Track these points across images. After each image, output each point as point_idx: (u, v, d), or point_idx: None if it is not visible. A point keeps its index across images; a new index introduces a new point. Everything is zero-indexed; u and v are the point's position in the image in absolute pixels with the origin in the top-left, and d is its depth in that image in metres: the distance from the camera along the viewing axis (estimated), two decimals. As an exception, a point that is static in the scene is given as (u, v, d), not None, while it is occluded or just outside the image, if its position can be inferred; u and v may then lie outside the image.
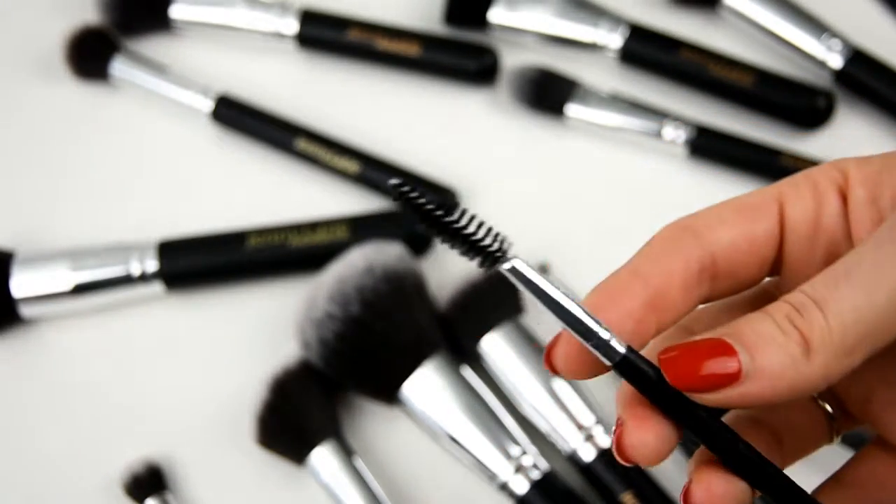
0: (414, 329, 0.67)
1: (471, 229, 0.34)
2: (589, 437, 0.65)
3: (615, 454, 0.37)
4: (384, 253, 0.68)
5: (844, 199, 0.39)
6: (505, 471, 0.64)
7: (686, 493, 0.37)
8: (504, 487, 0.64)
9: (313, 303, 0.67)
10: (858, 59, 0.78)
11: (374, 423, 0.69)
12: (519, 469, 0.64)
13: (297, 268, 0.73)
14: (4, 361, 0.73)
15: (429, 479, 0.68)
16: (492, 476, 0.65)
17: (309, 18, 0.82)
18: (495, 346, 0.68)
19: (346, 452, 0.66)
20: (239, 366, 0.71)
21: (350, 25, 0.81)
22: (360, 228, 0.73)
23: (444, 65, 0.81)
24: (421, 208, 0.33)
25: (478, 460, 0.65)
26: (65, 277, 0.71)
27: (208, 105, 0.79)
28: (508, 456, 0.64)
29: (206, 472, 0.69)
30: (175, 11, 0.83)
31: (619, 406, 0.38)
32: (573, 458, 0.66)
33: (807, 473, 0.40)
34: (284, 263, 0.73)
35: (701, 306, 0.40)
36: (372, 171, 0.76)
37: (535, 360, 0.67)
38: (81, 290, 0.71)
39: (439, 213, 0.33)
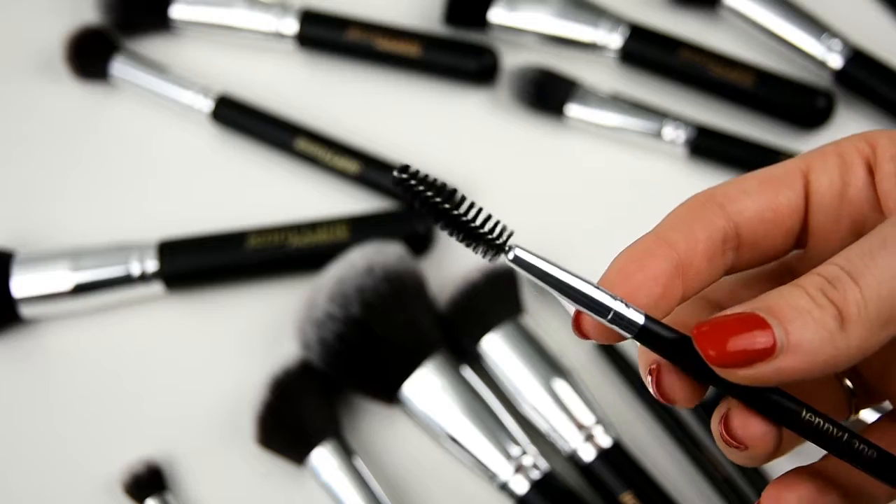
0: (414, 329, 0.67)
1: (472, 220, 0.34)
2: (589, 437, 0.65)
3: (654, 394, 0.37)
4: (384, 253, 0.68)
5: (871, 171, 0.38)
6: (505, 471, 0.64)
7: (728, 426, 0.37)
8: (504, 487, 0.64)
9: (313, 303, 0.67)
10: (858, 59, 0.78)
11: (374, 423, 0.69)
12: (519, 469, 0.64)
13: (297, 268, 0.73)
14: (4, 361, 0.73)
15: (429, 479, 0.68)
16: (492, 476, 0.65)
17: (309, 18, 0.82)
18: (495, 346, 0.68)
19: (346, 452, 0.66)
20: (239, 366, 0.71)
21: (350, 25, 0.81)
22: (360, 228, 0.73)
23: (444, 65, 0.81)
24: (424, 198, 0.33)
25: (478, 460, 0.65)
26: (65, 277, 0.71)
27: (208, 105, 0.79)
28: (508, 456, 0.64)
29: (206, 472, 0.69)
30: (175, 11, 0.83)
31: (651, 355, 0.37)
32: (573, 458, 0.66)
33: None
34: (284, 263, 0.73)
35: (725, 278, 0.40)
36: (372, 171, 0.76)
37: (535, 360, 0.67)
38: (81, 290, 0.71)
39: (443, 203, 0.33)
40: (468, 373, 0.68)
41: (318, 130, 0.79)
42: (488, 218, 0.34)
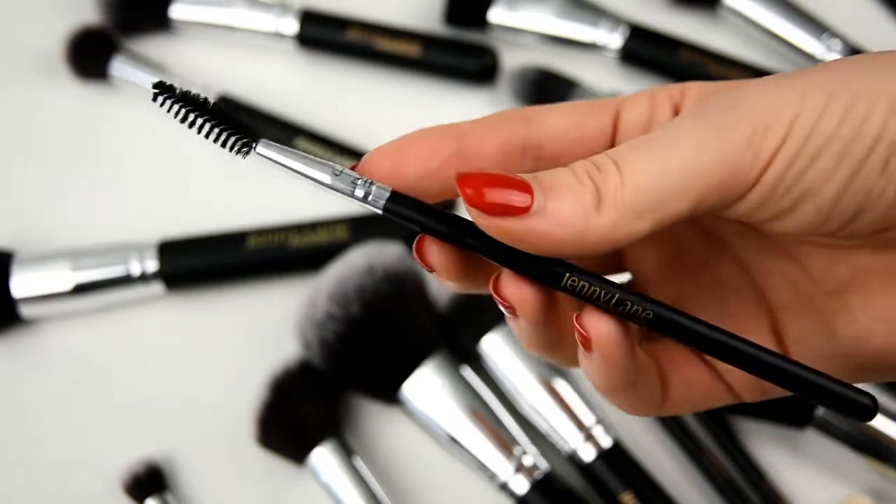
0: (414, 329, 0.67)
1: (221, 123, 0.38)
2: (589, 437, 0.65)
3: (417, 262, 0.39)
4: (384, 253, 0.68)
5: (677, 112, 0.41)
6: (505, 471, 0.64)
7: (496, 284, 0.38)
8: (504, 487, 0.64)
9: (314, 303, 0.67)
10: (858, 59, 0.78)
11: (374, 423, 0.69)
12: (519, 469, 0.64)
13: (297, 268, 0.73)
14: (4, 361, 0.73)
15: (429, 479, 0.68)
16: (492, 476, 0.65)
17: (309, 18, 0.82)
18: (495, 346, 0.68)
19: (346, 452, 0.66)
20: (239, 366, 0.71)
21: (350, 25, 0.81)
22: (360, 228, 0.73)
23: (444, 65, 0.81)
24: (177, 110, 0.38)
25: (478, 460, 0.65)
26: (65, 277, 0.71)
27: (208, 105, 0.79)
28: (509, 455, 0.64)
29: (206, 472, 0.69)
30: (175, 11, 0.83)
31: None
32: (573, 458, 0.66)
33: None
34: (284, 263, 0.73)
35: None
36: (372, 171, 0.76)
37: (535, 359, 0.67)
38: (81, 290, 0.71)
39: (194, 111, 0.38)
40: (468, 373, 0.68)
41: (318, 130, 0.79)
42: (239, 123, 0.38)
